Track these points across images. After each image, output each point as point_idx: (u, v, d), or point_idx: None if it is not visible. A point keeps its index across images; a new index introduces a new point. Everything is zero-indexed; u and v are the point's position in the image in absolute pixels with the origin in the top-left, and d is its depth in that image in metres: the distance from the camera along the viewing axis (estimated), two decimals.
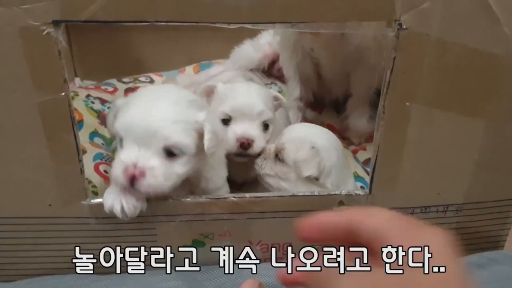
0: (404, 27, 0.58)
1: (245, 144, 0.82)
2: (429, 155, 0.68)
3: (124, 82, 1.32)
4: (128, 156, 0.61)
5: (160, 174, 0.61)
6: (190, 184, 0.72)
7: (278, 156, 0.80)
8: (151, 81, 1.34)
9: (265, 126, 0.85)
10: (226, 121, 0.84)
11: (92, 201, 0.69)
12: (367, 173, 0.99)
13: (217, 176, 0.76)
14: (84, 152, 0.98)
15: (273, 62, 1.28)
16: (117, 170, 0.62)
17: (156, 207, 0.69)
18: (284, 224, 0.72)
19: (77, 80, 1.38)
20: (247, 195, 0.70)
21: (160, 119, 0.61)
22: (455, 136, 0.67)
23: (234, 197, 0.70)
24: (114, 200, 0.65)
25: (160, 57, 1.42)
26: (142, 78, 1.35)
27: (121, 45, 1.41)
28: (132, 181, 0.61)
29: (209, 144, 0.63)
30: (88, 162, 0.95)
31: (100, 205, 0.68)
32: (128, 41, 1.42)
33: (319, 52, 1.06)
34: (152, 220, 0.70)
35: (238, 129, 0.82)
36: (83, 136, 1.04)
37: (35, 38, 0.57)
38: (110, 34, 1.37)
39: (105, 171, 0.97)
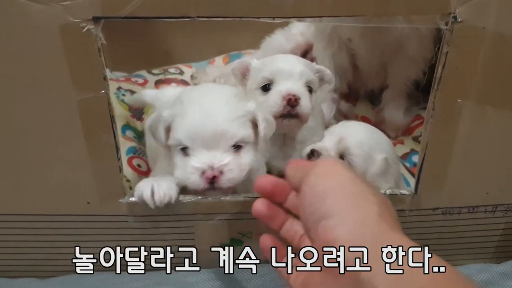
0: (459, 20, 0.55)
1: (292, 101, 0.76)
2: (480, 154, 0.65)
3: (154, 74, 1.30)
4: (201, 161, 0.64)
5: (235, 167, 0.65)
6: None
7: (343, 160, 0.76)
8: (181, 73, 1.33)
9: (309, 89, 0.80)
10: (267, 87, 0.79)
11: (130, 199, 0.68)
12: (406, 168, 0.96)
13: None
14: None
15: (306, 52, 1.24)
16: (193, 176, 0.65)
17: (195, 206, 0.68)
18: None
19: (107, 71, 1.37)
20: None
21: (222, 120, 0.64)
22: (508, 134, 0.64)
23: None
24: (144, 187, 0.66)
25: (189, 48, 1.40)
26: (171, 70, 1.33)
27: (150, 35, 1.39)
28: (212, 182, 0.64)
29: (265, 132, 0.67)
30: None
31: (138, 203, 0.67)
32: (158, 32, 1.40)
33: (356, 42, 1.03)
34: (191, 218, 0.69)
35: (282, 87, 0.78)
36: None
37: (75, 35, 0.56)
38: (139, 24, 1.35)
39: (138, 165, 0.96)
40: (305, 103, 0.77)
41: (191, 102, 0.66)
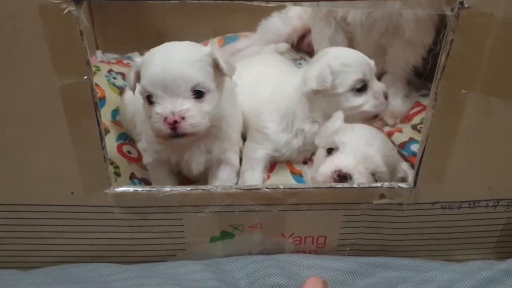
0: (466, 5, 0.52)
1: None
2: (483, 147, 0.63)
3: None
4: (163, 108, 0.68)
5: (197, 113, 0.69)
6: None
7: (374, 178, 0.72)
8: None
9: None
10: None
11: (116, 189, 0.65)
12: (404, 158, 0.93)
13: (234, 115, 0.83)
14: (107, 132, 0.95)
15: (303, 36, 1.21)
16: (157, 124, 0.69)
17: (184, 197, 0.65)
18: (321, 216, 0.68)
19: (99, 53, 1.33)
20: (281, 186, 0.66)
21: (180, 65, 0.68)
22: None
23: (267, 188, 0.65)
24: None
25: (183, 30, 1.35)
26: None
27: (143, 16, 1.36)
28: (175, 127, 0.68)
29: (227, 71, 0.71)
30: (111, 142, 0.91)
31: (125, 194, 0.65)
32: (151, 12, 1.36)
33: (353, 24, 0.99)
34: (179, 210, 0.67)
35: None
36: (105, 115, 0.99)
37: (55, 17, 0.53)
38: (132, 5, 1.31)
39: (128, 151, 0.93)
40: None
41: (156, 51, 0.71)
